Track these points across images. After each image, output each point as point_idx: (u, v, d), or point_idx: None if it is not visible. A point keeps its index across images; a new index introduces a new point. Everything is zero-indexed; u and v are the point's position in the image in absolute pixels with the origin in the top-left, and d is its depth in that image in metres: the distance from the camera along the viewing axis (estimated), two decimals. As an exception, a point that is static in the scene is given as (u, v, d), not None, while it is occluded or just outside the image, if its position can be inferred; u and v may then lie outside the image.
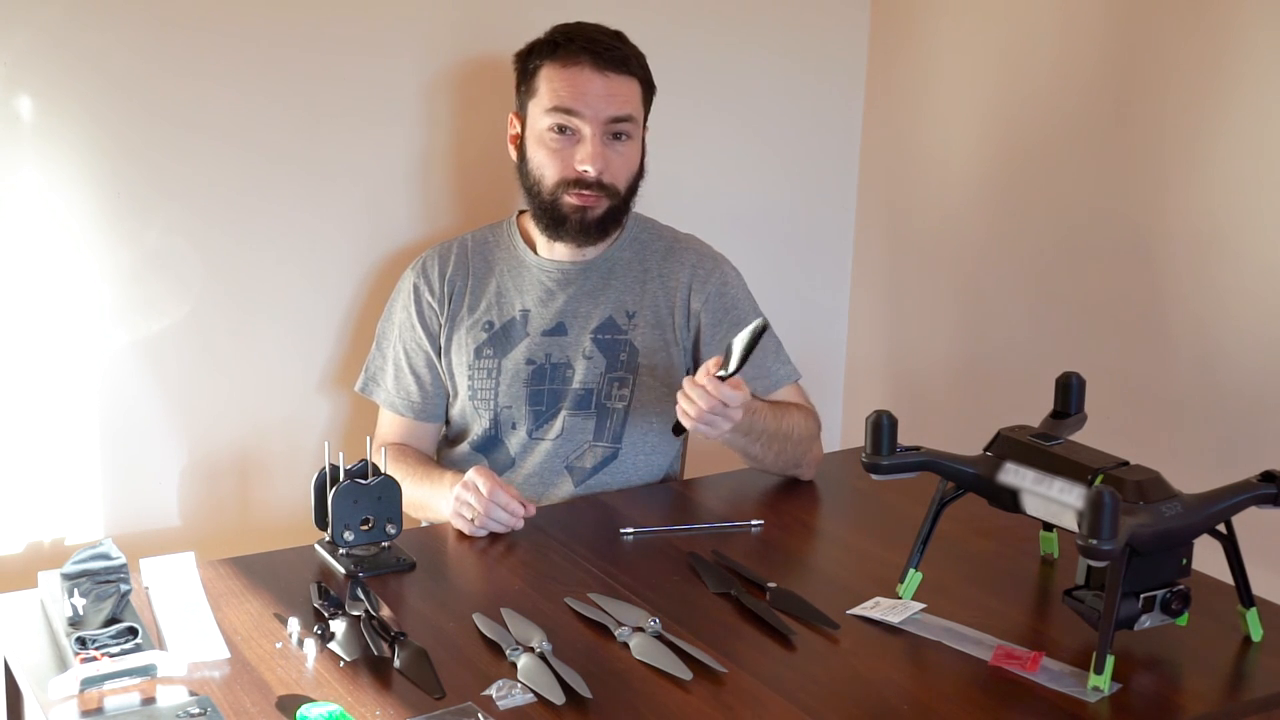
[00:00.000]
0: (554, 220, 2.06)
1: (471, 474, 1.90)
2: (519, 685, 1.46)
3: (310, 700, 1.42)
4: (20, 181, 2.02)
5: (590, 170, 2.02)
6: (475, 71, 2.30)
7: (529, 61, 2.07)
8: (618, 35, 2.08)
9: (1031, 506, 1.58)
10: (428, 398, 2.16)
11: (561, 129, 2.03)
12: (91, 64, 2.03)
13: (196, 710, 1.40)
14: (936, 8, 2.59)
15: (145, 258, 2.12)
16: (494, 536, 1.89)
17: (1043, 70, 2.40)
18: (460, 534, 1.90)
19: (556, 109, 2.02)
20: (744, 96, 2.61)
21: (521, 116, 2.10)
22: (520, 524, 1.89)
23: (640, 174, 2.11)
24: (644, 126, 2.11)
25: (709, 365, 1.86)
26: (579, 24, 2.07)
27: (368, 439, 1.87)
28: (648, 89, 2.10)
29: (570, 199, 2.03)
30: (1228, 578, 1.60)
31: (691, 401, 1.85)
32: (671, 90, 2.45)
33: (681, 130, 2.52)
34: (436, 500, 1.97)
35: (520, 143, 2.10)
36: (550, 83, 2.03)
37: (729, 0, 2.55)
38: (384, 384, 2.18)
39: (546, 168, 2.04)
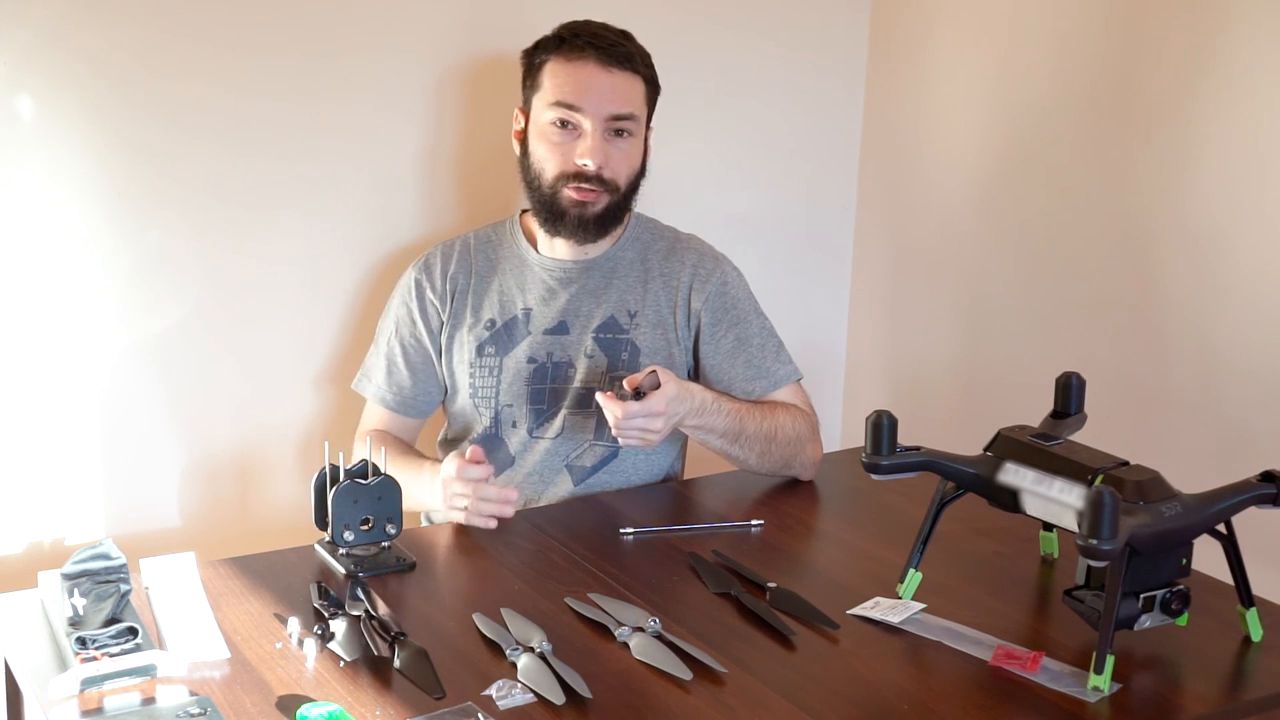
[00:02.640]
0: (552, 214, 2.06)
1: (445, 469, 1.90)
2: (519, 685, 1.46)
3: (310, 700, 1.42)
4: (20, 181, 2.02)
5: (590, 164, 2.02)
6: (478, 70, 2.30)
7: (535, 57, 2.08)
8: (624, 34, 2.08)
9: (1031, 506, 1.58)
10: (419, 392, 2.16)
11: (564, 123, 2.03)
12: (91, 64, 2.03)
13: (196, 710, 1.40)
14: (936, 8, 2.59)
15: (146, 257, 2.13)
16: (493, 535, 1.88)
17: (1042, 70, 2.40)
18: (461, 532, 1.90)
19: (559, 103, 2.02)
20: (744, 96, 2.61)
21: (526, 111, 2.10)
22: (514, 499, 1.89)
23: (642, 173, 2.11)
24: (648, 126, 2.11)
25: (631, 377, 1.92)
26: (586, 21, 2.07)
27: (368, 439, 1.87)
28: (652, 88, 2.10)
29: (569, 193, 2.03)
30: (1228, 578, 1.60)
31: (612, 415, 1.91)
32: (672, 90, 2.45)
33: (682, 130, 2.52)
34: (417, 489, 1.96)
35: (524, 137, 2.10)
36: (554, 77, 2.03)
37: (729, 0, 2.55)
38: (374, 379, 2.17)
39: (547, 161, 2.05)
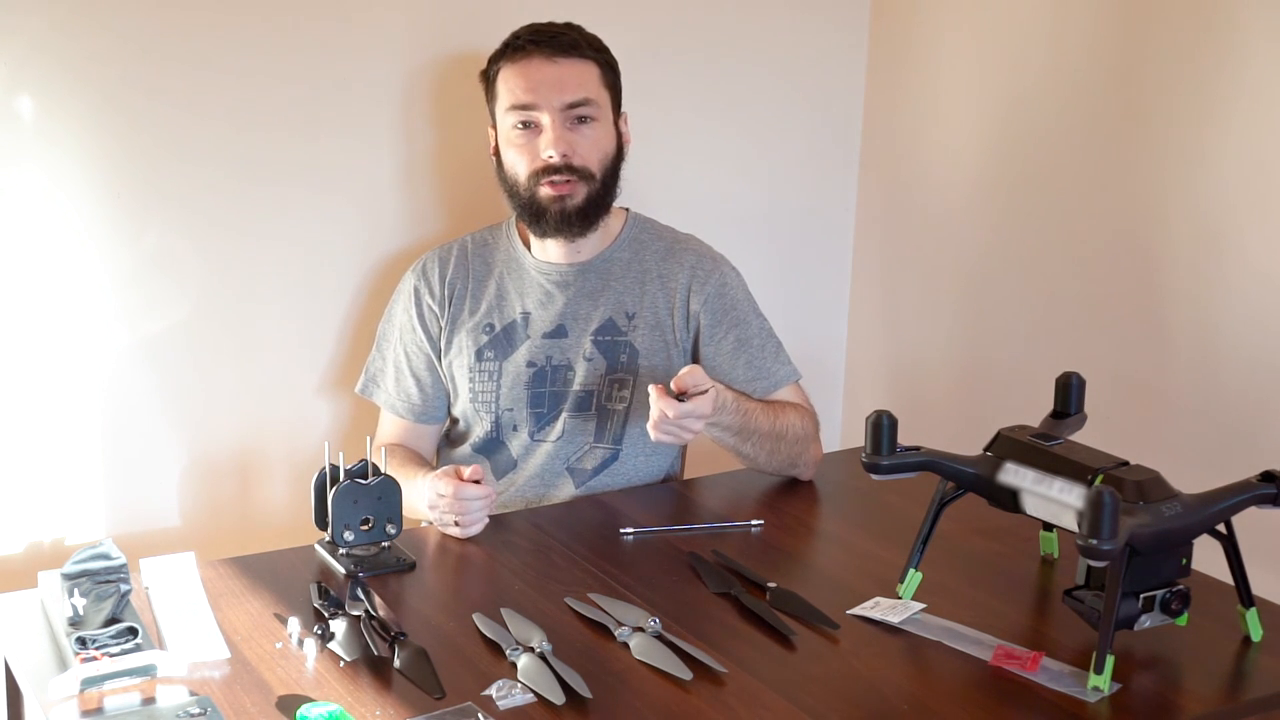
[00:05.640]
0: (535, 215, 2.06)
1: (431, 488, 1.88)
2: (519, 685, 1.46)
3: (310, 700, 1.42)
4: (20, 182, 2.02)
5: (554, 155, 2.01)
6: (471, 72, 2.30)
7: (489, 70, 2.10)
8: (569, 25, 2.08)
9: (1031, 506, 1.58)
10: (428, 400, 2.16)
11: (525, 124, 2.03)
12: (91, 64, 2.03)
13: (196, 710, 1.40)
14: (936, 8, 2.59)
15: (145, 258, 2.13)
16: (493, 535, 1.88)
17: (1043, 70, 2.40)
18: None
19: (514, 106, 2.03)
20: (744, 96, 2.61)
21: (495, 126, 2.10)
22: (488, 493, 1.87)
23: (619, 157, 2.10)
24: (616, 109, 2.10)
25: (679, 378, 1.87)
26: (529, 24, 2.08)
27: (368, 439, 1.87)
28: (608, 71, 2.09)
29: (545, 190, 2.03)
30: (1228, 578, 1.60)
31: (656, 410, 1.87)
32: (671, 91, 2.45)
33: (681, 130, 2.53)
34: (414, 501, 1.95)
35: (498, 152, 2.10)
36: (507, 82, 2.05)
37: (728, 1, 2.55)
38: (384, 386, 2.17)
39: (518, 165, 2.05)
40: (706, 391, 1.87)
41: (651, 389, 1.87)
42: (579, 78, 2.04)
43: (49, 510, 2.12)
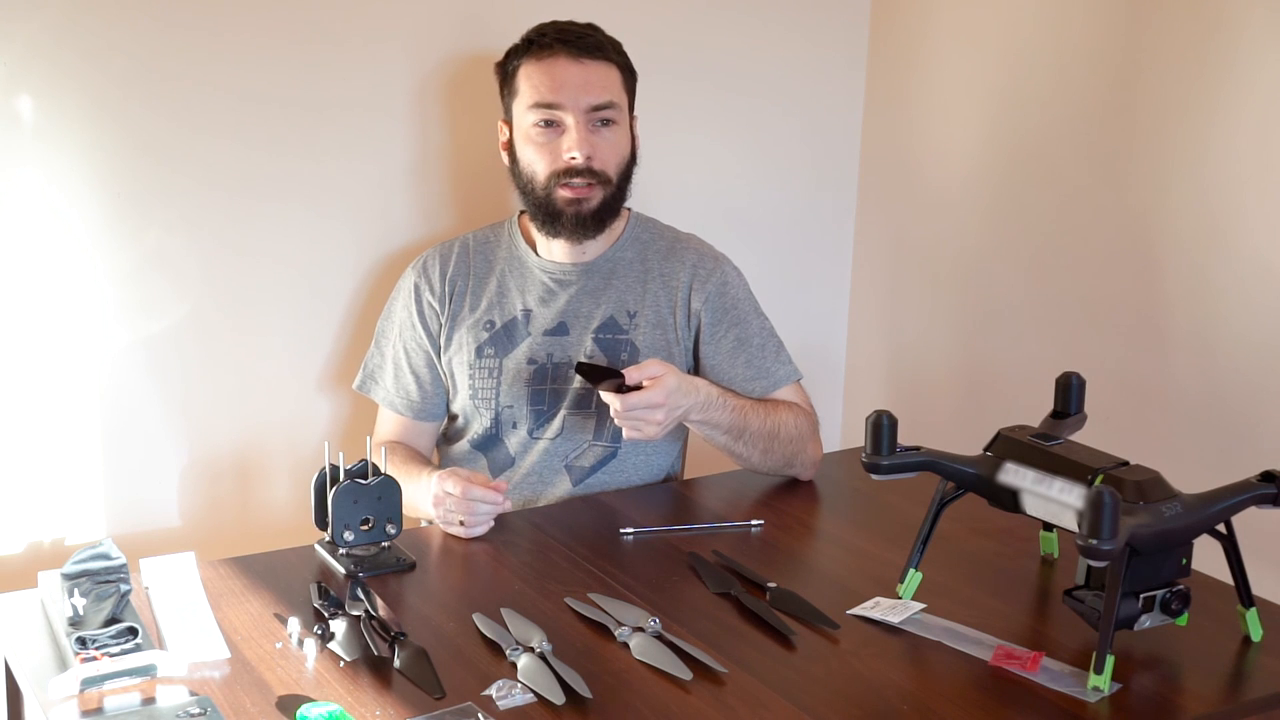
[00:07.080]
0: (550, 216, 2.06)
1: (439, 484, 1.89)
2: (519, 685, 1.46)
3: (310, 700, 1.42)
4: (21, 181, 2.02)
5: (578, 157, 2.01)
6: (474, 71, 2.30)
7: (508, 64, 2.09)
8: (591, 25, 2.08)
9: (1031, 506, 1.58)
10: (427, 397, 2.16)
11: (547, 123, 2.03)
12: (91, 64, 2.03)
13: (196, 710, 1.40)
14: (936, 7, 2.59)
15: (145, 257, 2.13)
16: (493, 535, 1.88)
17: (1043, 70, 2.40)
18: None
19: (538, 104, 2.03)
20: (744, 96, 2.61)
21: (509, 121, 2.10)
22: (500, 501, 1.87)
23: (633, 160, 2.10)
24: (631, 114, 2.11)
25: (630, 369, 1.90)
26: (552, 22, 2.08)
27: (368, 439, 1.87)
28: (628, 75, 2.09)
29: (564, 192, 2.03)
30: (1228, 578, 1.60)
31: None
32: (672, 90, 2.45)
33: (682, 130, 2.53)
34: (417, 499, 1.96)
35: (510, 147, 2.10)
36: (529, 79, 2.04)
37: (730, 0, 2.55)
38: (383, 382, 2.18)
39: (536, 163, 2.05)
40: (660, 379, 1.88)
41: (599, 389, 1.89)
42: (603, 80, 2.04)
43: (49, 510, 2.12)
